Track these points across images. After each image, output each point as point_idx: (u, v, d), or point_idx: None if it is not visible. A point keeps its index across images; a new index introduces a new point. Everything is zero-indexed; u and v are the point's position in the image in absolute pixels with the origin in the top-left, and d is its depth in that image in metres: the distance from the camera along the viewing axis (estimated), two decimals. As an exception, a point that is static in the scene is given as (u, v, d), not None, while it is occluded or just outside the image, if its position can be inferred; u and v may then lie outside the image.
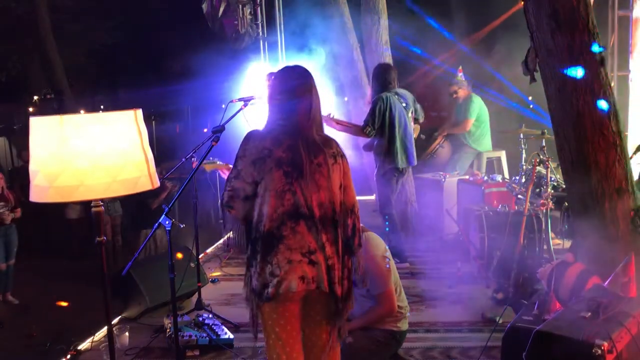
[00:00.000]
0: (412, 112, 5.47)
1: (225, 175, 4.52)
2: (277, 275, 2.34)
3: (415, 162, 5.55)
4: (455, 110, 7.18)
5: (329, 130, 4.43)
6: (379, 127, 5.28)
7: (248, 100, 4.14)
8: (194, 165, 4.30)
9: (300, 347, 2.50)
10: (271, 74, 4.48)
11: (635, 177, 4.05)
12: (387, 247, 3.27)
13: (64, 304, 5.66)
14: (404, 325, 3.29)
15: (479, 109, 6.84)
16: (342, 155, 2.55)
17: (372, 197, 5.95)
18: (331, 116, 5.18)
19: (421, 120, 5.71)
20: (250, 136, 2.45)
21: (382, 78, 5.47)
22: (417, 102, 5.66)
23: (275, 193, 2.36)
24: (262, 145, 2.40)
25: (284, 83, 2.51)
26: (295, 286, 2.35)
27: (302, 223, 2.38)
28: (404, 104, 5.37)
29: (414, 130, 5.54)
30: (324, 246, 2.41)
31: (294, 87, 2.49)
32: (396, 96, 5.36)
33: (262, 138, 2.43)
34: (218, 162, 4.49)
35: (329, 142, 2.54)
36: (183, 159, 4.41)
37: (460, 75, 6.92)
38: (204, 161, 4.26)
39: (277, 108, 2.50)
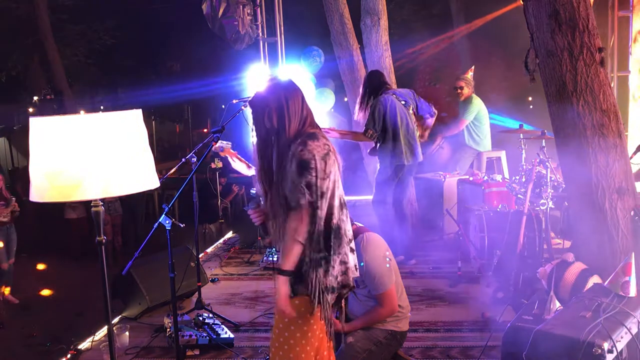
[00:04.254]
0: (412, 109, 5.47)
1: (235, 163, 4.53)
2: (346, 263, 2.45)
3: (421, 158, 5.55)
4: (459, 109, 7.15)
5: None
6: (381, 130, 5.29)
7: (248, 101, 4.15)
8: (215, 145, 4.30)
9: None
10: (273, 76, 4.50)
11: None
12: (388, 247, 3.27)
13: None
14: (404, 326, 3.29)
15: (477, 109, 6.83)
16: None
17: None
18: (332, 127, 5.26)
19: (433, 116, 5.67)
20: (304, 140, 2.40)
21: (374, 82, 5.48)
22: (421, 98, 5.64)
23: (336, 185, 2.44)
24: (321, 143, 2.42)
25: (297, 93, 2.54)
26: (356, 272, 2.51)
27: (345, 212, 2.49)
28: (403, 102, 5.39)
29: (416, 127, 5.54)
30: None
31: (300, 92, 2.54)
32: (394, 95, 5.37)
33: (312, 138, 2.42)
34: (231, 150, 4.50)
35: None
36: (183, 159, 4.42)
37: (471, 75, 6.92)
38: (224, 142, 4.29)
39: (300, 108, 2.51)
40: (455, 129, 6.92)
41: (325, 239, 2.41)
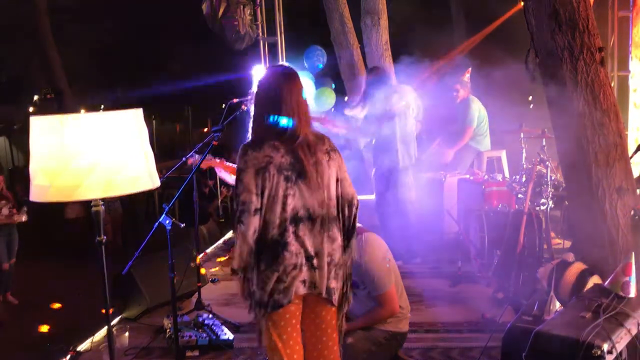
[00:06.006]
0: (412, 110, 5.48)
1: (220, 172, 4.56)
2: (284, 282, 2.35)
3: (416, 154, 5.56)
4: (457, 114, 7.12)
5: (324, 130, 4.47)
6: (378, 125, 5.30)
7: (248, 100, 4.16)
8: (190, 162, 4.34)
9: (301, 348, 2.51)
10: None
11: (635, 177, 4.06)
12: (387, 248, 3.26)
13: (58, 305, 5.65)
14: (405, 326, 3.28)
15: (477, 111, 6.79)
16: (336, 150, 2.54)
17: (372, 197, 5.93)
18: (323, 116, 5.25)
19: (419, 118, 5.70)
20: (247, 147, 2.39)
21: (379, 77, 5.51)
22: (418, 99, 5.66)
23: (277, 199, 2.34)
24: (262, 154, 2.35)
25: (271, 87, 2.46)
26: (300, 290, 2.39)
27: (302, 226, 2.38)
28: (403, 102, 5.40)
29: (414, 128, 5.55)
30: (323, 246, 2.41)
31: (281, 90, 2.43)
32: (396, 94, 5.39)
33: (259, 147, 2.38)
34: (216, 159, 4.51)
35: (322, 138, 2.53)
36: (183, 159, 4.43)
37: (467, 77, 6.87)
38: (197, 156, 4.31)
39: (267, 113, 2.43)
40: (463, 139, 6.81)
41: (256, 253, 2.35)
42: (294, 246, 2.36)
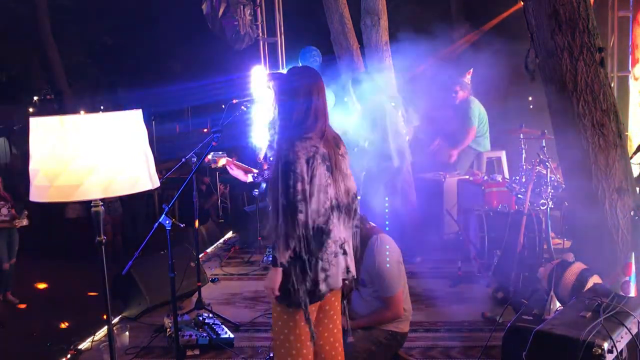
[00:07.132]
0: (402, 113, 5.54)
1: (233, 170, 4.57)
2: (327, 270, 2.42)
3: (410, 158, 5.58)
4: (456, 115, 7.12)
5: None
6: (373, 129, 5.31)
7: (248, 101, 4.18)
8: (207, 160, 4.36)
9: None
10: (272, 74, 4.53)
11: (635, 177, 4.06)
12: (400, 252, 3.26)
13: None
14: (405, 327, 3.29)
15: (478, 112, 6.80)
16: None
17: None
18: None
19: (416, 123, 5.76)
20: (294, 139, 2.42)
21: (363, 85, 5.49)
22: (410, 104, 5.72)
23: (322, 188, 2.43)
24: (309, 144, 2.42)
25: (304, 81, 2.53)
26: (340, 280, 2.49)
27: (336, 214, 2.49)
28: (393, 104, 5.44)
29: (405, 130, 5.61)
30: (348, 232, 2.56)
31: (314, 84, 2.53)
32: (384, 95, 5.42)
33: (304, 138, 2.44)
34: (227, 157, 4.54)
35: (336, 134, 2.65)
36: (183, 159, 4.43)
37: (468, 78, 6.87)
38: (215, 154, 4.33)
39: (304, 106, 2.49)
40: (467, 139, 6.81)
41: (305, 242, 2.38)
42: (334, 234, 2.46)
